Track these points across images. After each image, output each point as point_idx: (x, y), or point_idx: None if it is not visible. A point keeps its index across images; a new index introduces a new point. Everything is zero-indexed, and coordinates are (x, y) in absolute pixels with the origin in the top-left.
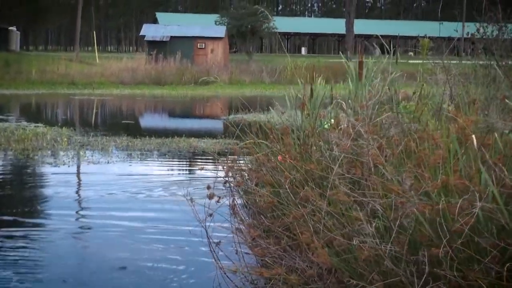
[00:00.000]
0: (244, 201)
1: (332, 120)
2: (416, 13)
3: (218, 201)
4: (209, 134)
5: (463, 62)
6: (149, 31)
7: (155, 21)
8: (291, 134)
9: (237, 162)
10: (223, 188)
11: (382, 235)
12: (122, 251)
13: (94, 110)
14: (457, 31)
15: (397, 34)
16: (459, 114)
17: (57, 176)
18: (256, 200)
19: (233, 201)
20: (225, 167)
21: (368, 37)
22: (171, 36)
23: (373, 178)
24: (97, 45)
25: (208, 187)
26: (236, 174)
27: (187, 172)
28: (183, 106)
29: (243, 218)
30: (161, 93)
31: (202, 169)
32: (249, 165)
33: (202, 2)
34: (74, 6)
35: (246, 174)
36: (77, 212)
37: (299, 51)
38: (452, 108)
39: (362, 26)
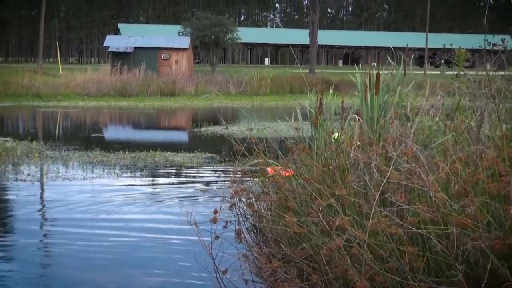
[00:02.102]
0: (253, 225)
1: (336, 134)
2: (378, 24)
3: (225, 226)
4: (184, 147)
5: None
6: (112, 42)
7: (117, 32)
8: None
9: (244, 182)
10: (229, 211)
11: (437, 272)
12: (115, 276)
13: (62, 123)
14: (488, 42)
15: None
16: None
17: (33, 193)
18: (271, 226)
19: (238, 223)
20: (232, 188)
21: (331, 47)
22: (135, 47)
23: (424, 206)
24: (58, 57)
25: (215, 211)
26: (245, 197)
27: (177, 188)
28: (153, 118)
29: (252, 244)
30: (127, 105)
31: (205, 191)
32: (259, 186)
33: (164, 13)
34: (35, 18)
35: (253, 196)
36: (61, 231)
37: (262, 62)
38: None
39: (325, 37)
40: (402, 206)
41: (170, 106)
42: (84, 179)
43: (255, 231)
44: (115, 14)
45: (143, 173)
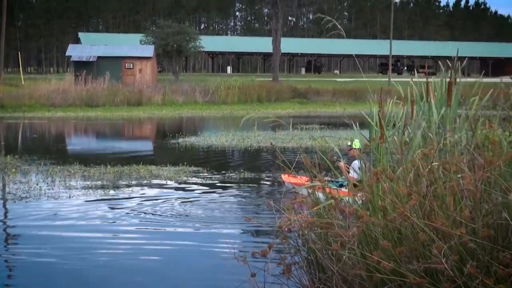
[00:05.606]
0: (307, 259)
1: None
2: (338, 31)
3: (280, 264)
4: (166, 160)
5: None
6: (75, 51)
7: (77, 41)
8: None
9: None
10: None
11: None
12: None
13: (33, 135)
14: None
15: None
16: None
17: (27, 214)
18: (344, 265)
19: (289, 257)
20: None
21: (293, 55)
22: (98, 56)
23: None
24: (19, 66)
25: (270, 246)
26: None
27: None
28: (125, 129)
29: (307, 283)
30: (95, 116)
31: (249, 219)
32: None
33: (124, 22)
34: None
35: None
36: (66, 251)
37: (224, 70)
38: None
39: (288, 45)
40: None
41: (139, 116)
42: (70, 197)
43: (310, 266)
44: (74, 23)
45: (138, 189)
